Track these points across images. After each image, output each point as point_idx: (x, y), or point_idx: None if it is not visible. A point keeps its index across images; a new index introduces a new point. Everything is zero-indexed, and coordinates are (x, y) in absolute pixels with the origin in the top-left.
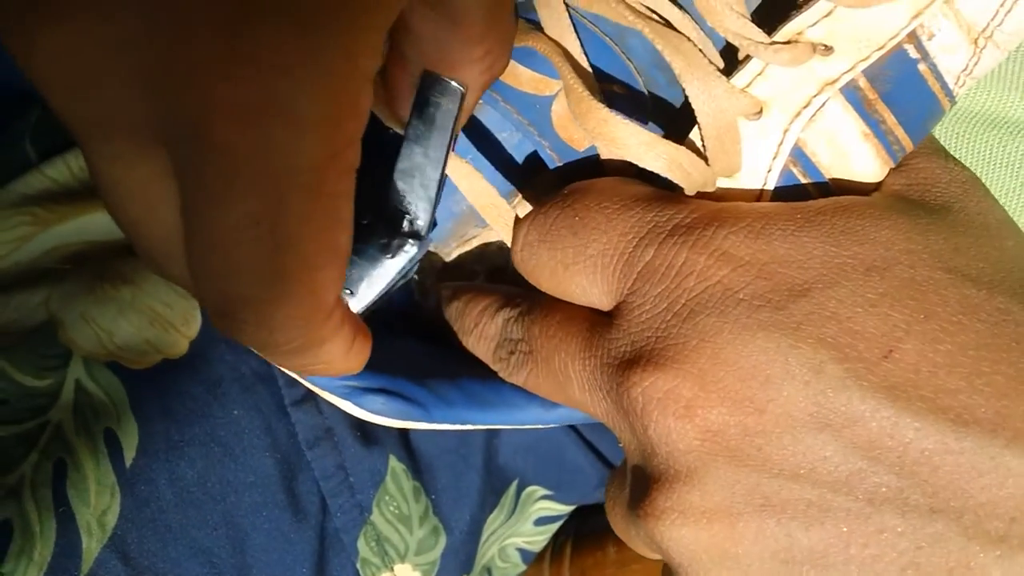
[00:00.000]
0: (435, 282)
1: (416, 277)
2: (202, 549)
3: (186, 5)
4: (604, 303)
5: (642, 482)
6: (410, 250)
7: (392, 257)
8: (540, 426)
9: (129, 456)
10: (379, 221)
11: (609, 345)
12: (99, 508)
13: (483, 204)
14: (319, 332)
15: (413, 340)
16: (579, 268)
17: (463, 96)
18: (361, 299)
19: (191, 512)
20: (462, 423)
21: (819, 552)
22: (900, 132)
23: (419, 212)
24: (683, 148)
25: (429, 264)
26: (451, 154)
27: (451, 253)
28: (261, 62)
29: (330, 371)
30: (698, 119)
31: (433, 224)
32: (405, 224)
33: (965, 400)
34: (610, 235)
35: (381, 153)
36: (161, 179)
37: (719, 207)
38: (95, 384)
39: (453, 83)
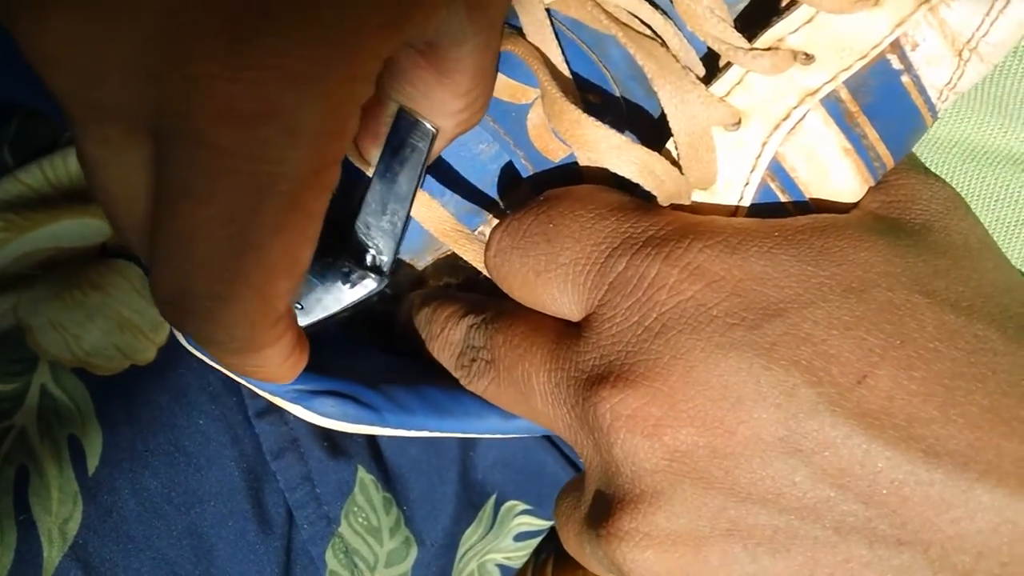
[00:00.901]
0: (407, 291)
1: (388, 291)
2: (166, 560)
3: (202, 4)
4: (574, 313)
5: (604, 501)
6: (369, 284)
7: (351, 287)
8: (500, 436)
9: (92, 464)
10: (344, 251)
11: (577, 358)
12: (61, 516)
13: (444, 231)
14: (262, 337)
15: (376, 349)
16: (551, 276)
17: (434, 138)
18: (309, 315)
19: (155, 522)
20: (418, 429)
21: None
22: (882, 148)
23: (384, 249)
24: (656, 154)
25: (403, 274)
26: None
27: (424, 264)
28: (267, 68)
29: (263, 376)
30: (671, 126)
31: (396, 263)
32: (368, 258)
33: (938, 430)
34: (583, 244)
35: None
36: (146, 166)
37: (695, 220)
38: (60, 390)
39: (427, 124)
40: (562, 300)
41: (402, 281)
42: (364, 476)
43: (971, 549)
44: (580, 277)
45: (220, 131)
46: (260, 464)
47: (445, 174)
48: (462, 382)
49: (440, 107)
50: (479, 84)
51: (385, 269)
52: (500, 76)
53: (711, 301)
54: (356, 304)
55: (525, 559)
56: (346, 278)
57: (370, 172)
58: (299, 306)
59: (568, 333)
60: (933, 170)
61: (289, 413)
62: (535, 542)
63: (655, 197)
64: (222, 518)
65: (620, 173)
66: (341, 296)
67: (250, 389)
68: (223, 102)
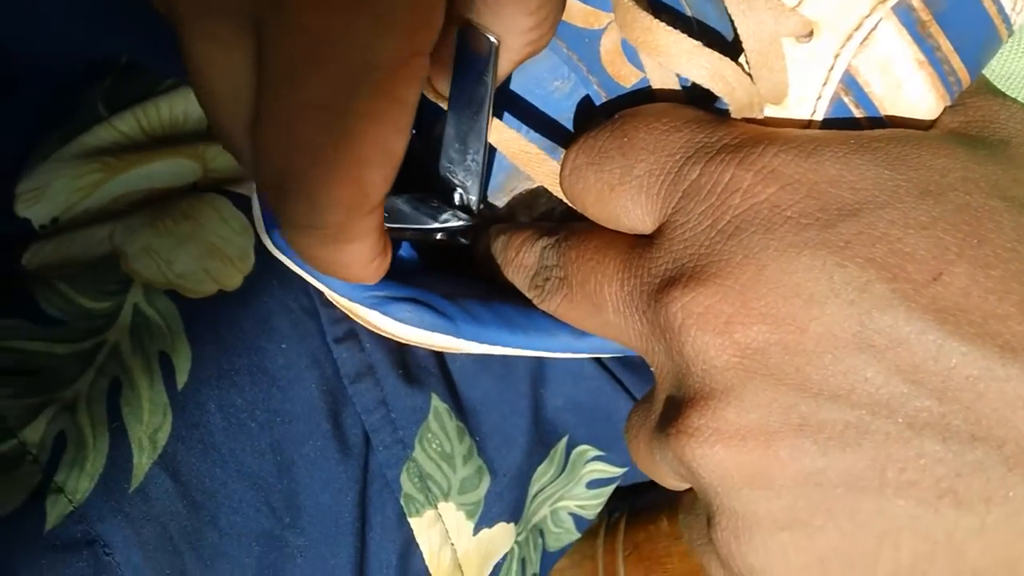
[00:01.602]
0: (484, 228)
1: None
2: (250, 473)
3: None
4: (647, 225)
5: (675, 404)
6: (457, 223)
7: (440, 225)
8: (571, 355)
9: (181, 380)
10: (433, 189)
11: (649, 264)
12: (151, 426)
13: (525, 160)
14: (355, 226)
15: (453, 273)
16: (624, 189)
17: (496, 51)
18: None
19: (240, 437)
20: (491, 343)
21: (855, 475)
22: (956, 61)
23: (470, 187)
24: (727, 59)
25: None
26: (491, 119)
27: (501, 203)
28: None
29: (347, 274)
30: (740, 37)
31: (482, 200)
32: (456, 197)
33: (1015, 327)
34: (657, 155)
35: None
36: (249, 62)
37: (769, 130)
38: (153, 309)
39: (488, 36)
40: (635, 212)
41: (478, 223)
42: (438, 404)
43: None
44: (654, 187)
45: (316, 17)
46: (339, 388)
47: (522, 112)
48: (536, 302)
49: (511, 24)
50: (545, 5)
51: (473, 207)
52: (574, 1)
53: (785, 203)
54: (439, 235)
55: (598, 509)
56: (435, 216)
57: (445, 106)
58: (387, 215)
59: (640, 243)
60: None
61: (365, 340)
62: (608, 491)
63: (727, 112)
64: (303, 437)
65: (690, 77)
66: (427, 226)
67: (331, 305)
68: None
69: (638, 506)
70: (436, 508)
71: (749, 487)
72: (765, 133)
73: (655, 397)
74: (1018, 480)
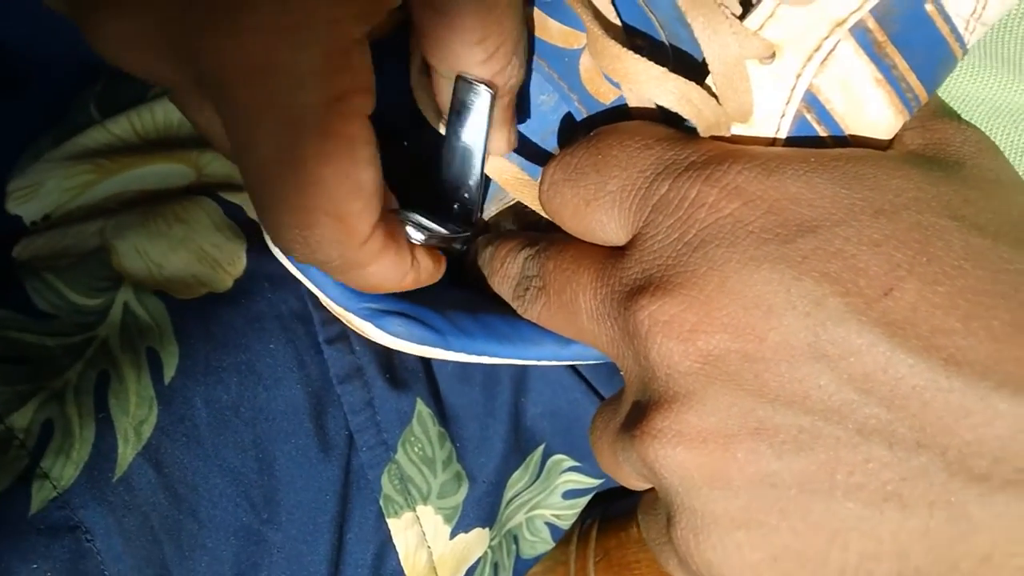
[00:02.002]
0: (474, 237)
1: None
2: (231, 468)
3: None
4: (620, 238)
5: (640, 407)
6: (453, 231)
7: (448, 232)
8: (556, 362)
9: (169, 374)
10: (434, 201)
11: (621, 273)
12: (137, 418)
13: (508, 181)
14: (356, 256)
15: (444, 283)
16: (599, 204)
17: (493, 97)
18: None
19: (224, 432)
20: (479, 354)
21: (807, 477)
22: (912, 79)
23: (466, 201)
24: (692, 83)
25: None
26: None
27: (489, 214)
28: (264, 29)
29: (386, 289)
30: (707, 59)
31: (480, 211)
32: (455, 208)
33: (959, 341)
34: (629, 171)
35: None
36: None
37: (734, 148)
38: (142, 308)
39: (481, 86)
40: (610, 226)
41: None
42: (422, 409)
43: (988, 454)
44: (626, 202)
45: (241, 87)
46: (325, 388)
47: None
48: (519, 311)
49: (464, 58)
50: (493, 30)
51: (471, 218)
52: (552, 22)
53: (748, 218)
54: (441, 248)
55: (573, 519)
56: (444, 225)
57: (443, 130)
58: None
59: (614, 254)
60: None
61: (355, 343)
62: (583, 501)
63: (696, 131)
64: (286, 434)
65: (659, 102)
66: (449, 243)
67: (325, 309)
68: (236, 62)
69: (610, 513)
70: (415, 511)
71: (708, 487)
72: (730, 151)
73: (622, 400)
74: (960, 485)
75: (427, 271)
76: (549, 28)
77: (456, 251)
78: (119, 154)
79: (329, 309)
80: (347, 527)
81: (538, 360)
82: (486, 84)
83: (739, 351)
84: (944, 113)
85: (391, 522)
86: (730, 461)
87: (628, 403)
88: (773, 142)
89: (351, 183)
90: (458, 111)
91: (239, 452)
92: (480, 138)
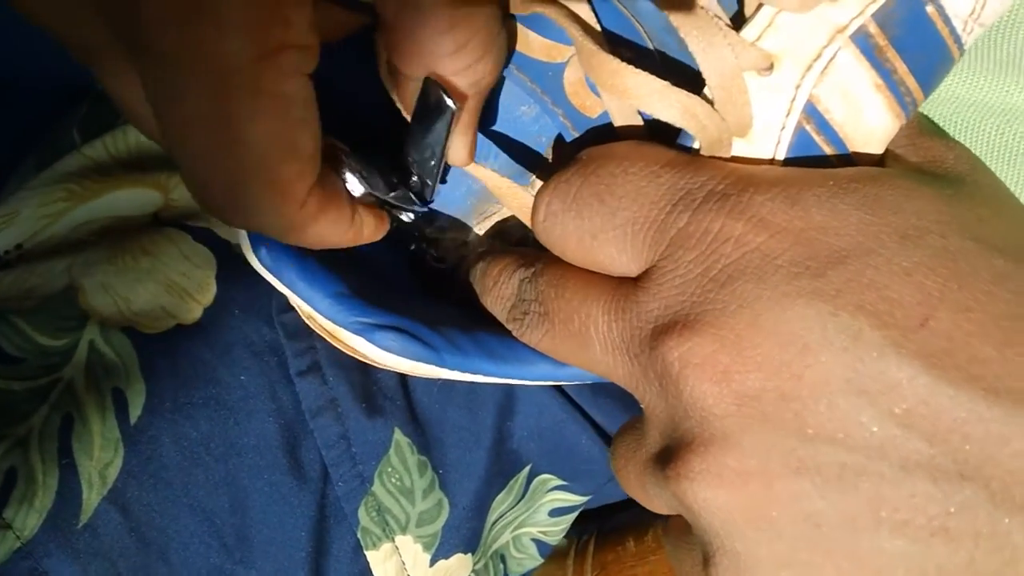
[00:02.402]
0: (458, 256)
1: (436, 256)
2: (202, 507)
3: None
4: (632, 270)
5: (672, 445)
6: (407, 201)
7: (393, 197)
8: (551, 383)
9: (135, 414)
10: (396, 166)
11: (638, 308)
12: (102, 461)
13: (501, 193)
14: (296, 217)
15: (437, 299)
16: (608, 237)
17: (455, 114)
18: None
19: (193, 471)
20: (473, 372)
21: (851, 515)
22: (911, 81)
23: (425, 180)
24: (697, 97)
25: (450, 239)
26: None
27: (472, 225)
28: None
29: (325, 245)
30: (703, 73)
31: (433, 197)
32: (413, 181)
33: (997, 369)
34: (640, 203)
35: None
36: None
37: (750, 172)
38: (108, 346)
39: (448, 100)
40: (621, 259)
41: (450, 247)
42: (400, 438)
43: None
44: (639, 235)
45: (165, 36)
46: (298, 421)
47: (490, 136)
48: (515, 334)
49: (433, 53)
50: (462, 27)
51: (426, 196)
52: (535, 36)
53: (776, 251)
54: (393, 215)
55: (561, 535)
56: (392, 188)
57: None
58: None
59: (626, 284)
60: (955, 127)
61: (329, 374)
62: (570, 518)
63: (693, 149)
64: (259, 469)
65: (663, 118)
66: (383, 199)
67: (295, 337)
68: (159, 9)
69: (607, 528)
70: (393, 541)
71: (751, 529)
72: (746, 177)
73: (646, 431)
74: (1004, 515)
75: (369, 228)
76: (531, 43)
77: (434, 266)
78: (91, 179)
79: (310, 323)
80: (324, 562)
81: (532, 380)
82: (452, 98)
83: (776, 390)
84: (929, 129)
85: (369, 554)
86: (773, 502)
87: (654, 435)
88: (774, 155)
89: (284, 144)
90: (420, 111)
91: (210, 490)
92: (442, 132)
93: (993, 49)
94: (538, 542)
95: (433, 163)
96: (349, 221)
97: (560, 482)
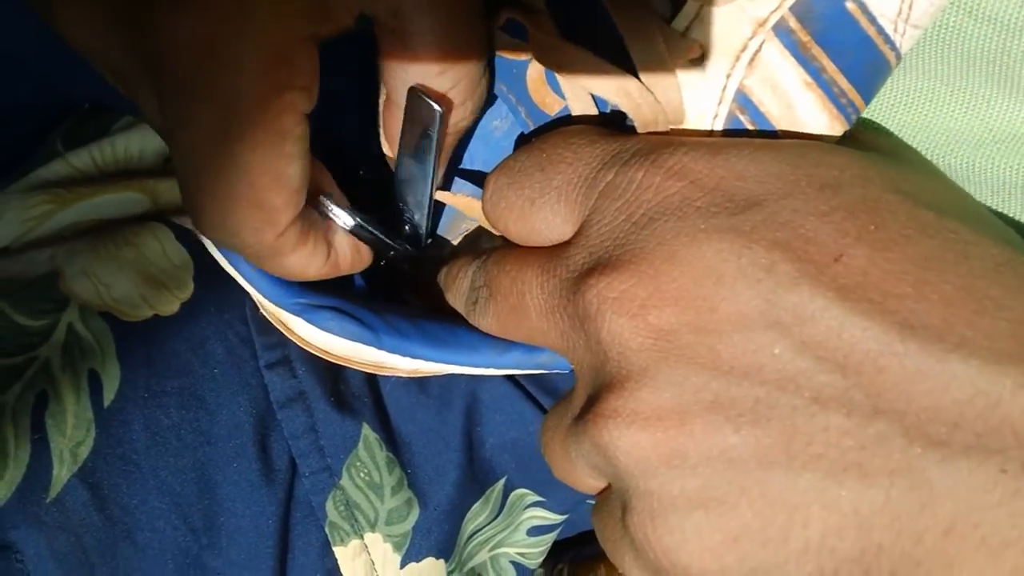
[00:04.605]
0: (432, 267)
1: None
2: (170, 491)
3: None
4: (566, 232)
5: (593, 393)
6: (400, 249)
7: (386, 245)
8: (494, 370)
9: (108, 397)
10: (387, 212)
11: (567, 262)
12: (74, 439)
13: (465, 205)
14: (274, 244)
15: (395, 298)
16: (544, 201)
17: (441, 117)
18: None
19: (163, 456)
20: (413, 356)
21: (764, 449)
22: (844, 82)
23: (417, 221)
24: (631, 77)
25: (430, 260)
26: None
27: (451, 244)
28: (210, 9)
29: (301, 276)
30: (633, 59)
31: (430, 234)
32: (405, 227)
33: (912, 305)
34: (575, 165)
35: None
36: None
37: (679, 137)
38: (87, 329)
39: (434, 104)
40: (555, 221)
41: (428, 264)
42: (368, 433)
43: (946, 419)
44: (572, 193)
45: (181, 64)
46: (269, 413)
47: (463, 152)
48: (472, 321)
49: (421, 65)
50: (453, 62)
51: (420, 238)
52: (500, 33)
53: (695, 195)
54: (386, 261)
55: (540, 558)
56: (384, 234)
57: (394, 154)
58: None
59: (558, 247)
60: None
61: (298, 367)
62: (549, 538)
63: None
64: (228, 458)
65: (598, 93)
66: (377, 251)
67: (266, 332)
68: (183, 39)
69: (581, 556)
70: (362, 539)
71: (665, 467)
72: (675, 138)
73: (573, 396)
74: (919, 452)
75: (346, 260)
76: (498, 39)
77: (404, 270)
78: (78, 185)
79: (262, 309)
80: (291, 554)
81: (474, 367)
82: (437, 103)
83: (691, 323)
84: (870, 127)
85: (337, 550)
86: (687, 437)
87: (581, 397)
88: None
89: (274, 175)
90: (410, 129)
91: (178, 475)
92: (428, 156)
93: (938, 72)
94: (517, 565)
95: (423, 198)
96: (325, 257)
97: (537, 498)
